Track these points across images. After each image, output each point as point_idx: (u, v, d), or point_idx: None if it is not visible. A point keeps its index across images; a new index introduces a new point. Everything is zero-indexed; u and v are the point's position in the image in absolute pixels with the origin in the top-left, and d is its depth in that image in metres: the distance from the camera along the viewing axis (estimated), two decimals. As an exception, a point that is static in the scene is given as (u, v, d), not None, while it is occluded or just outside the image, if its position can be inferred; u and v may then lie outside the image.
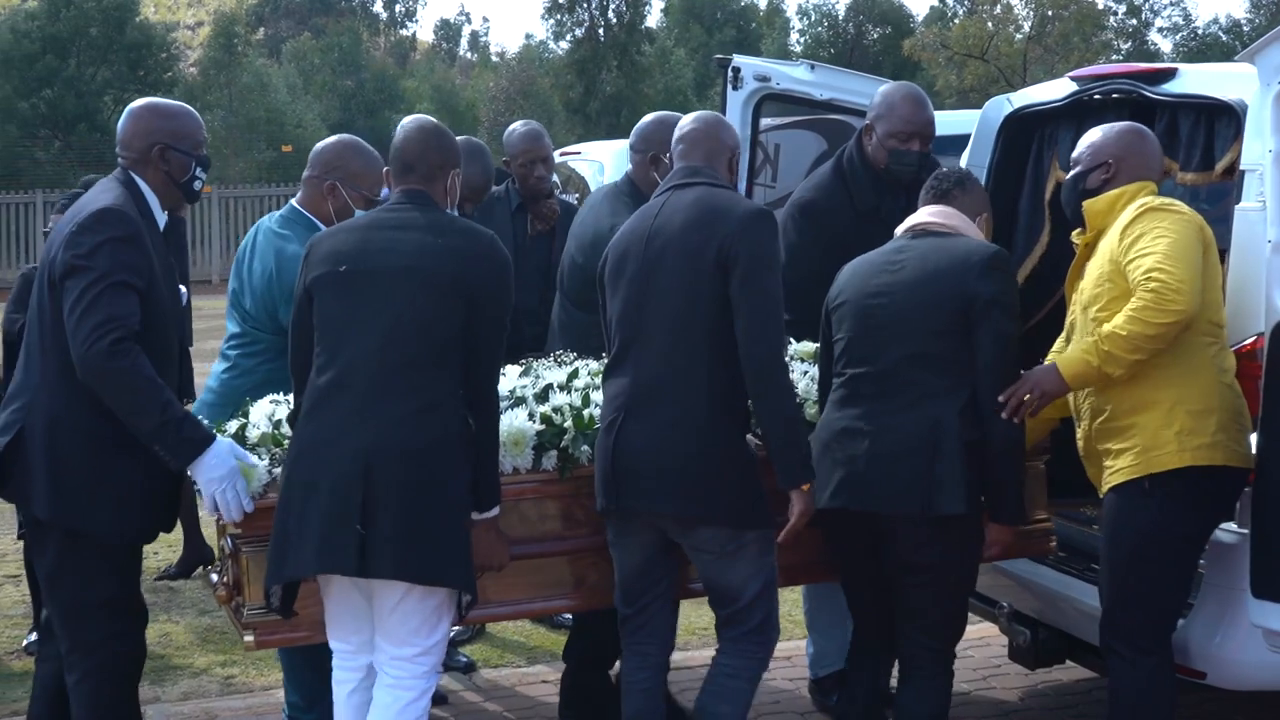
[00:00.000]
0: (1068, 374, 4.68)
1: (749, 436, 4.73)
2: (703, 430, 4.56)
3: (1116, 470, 4.74)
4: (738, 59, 7.34)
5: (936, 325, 4.70)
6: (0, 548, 8.60)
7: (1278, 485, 4.59)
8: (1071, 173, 5.00)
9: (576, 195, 10.09)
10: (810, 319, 5.11)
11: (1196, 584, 4.87)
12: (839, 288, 4.97)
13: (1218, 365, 4.71)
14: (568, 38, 50.99)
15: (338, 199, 5.42)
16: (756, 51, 46.32)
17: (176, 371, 4.86)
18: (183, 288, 5.01)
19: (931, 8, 59.64)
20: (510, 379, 5.04)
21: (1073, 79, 5.80)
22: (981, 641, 6.93)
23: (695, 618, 6.94)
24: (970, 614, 6.13)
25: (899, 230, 5.03)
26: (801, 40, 60.69)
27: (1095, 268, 4.82)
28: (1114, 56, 47.63)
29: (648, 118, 5.96)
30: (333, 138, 5.72)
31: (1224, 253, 4.93)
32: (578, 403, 4.93)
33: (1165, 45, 54.84)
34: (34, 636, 6.66)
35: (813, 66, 7.24)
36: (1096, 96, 5.65)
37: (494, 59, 75.84)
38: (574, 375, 5.14)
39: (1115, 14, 52.16)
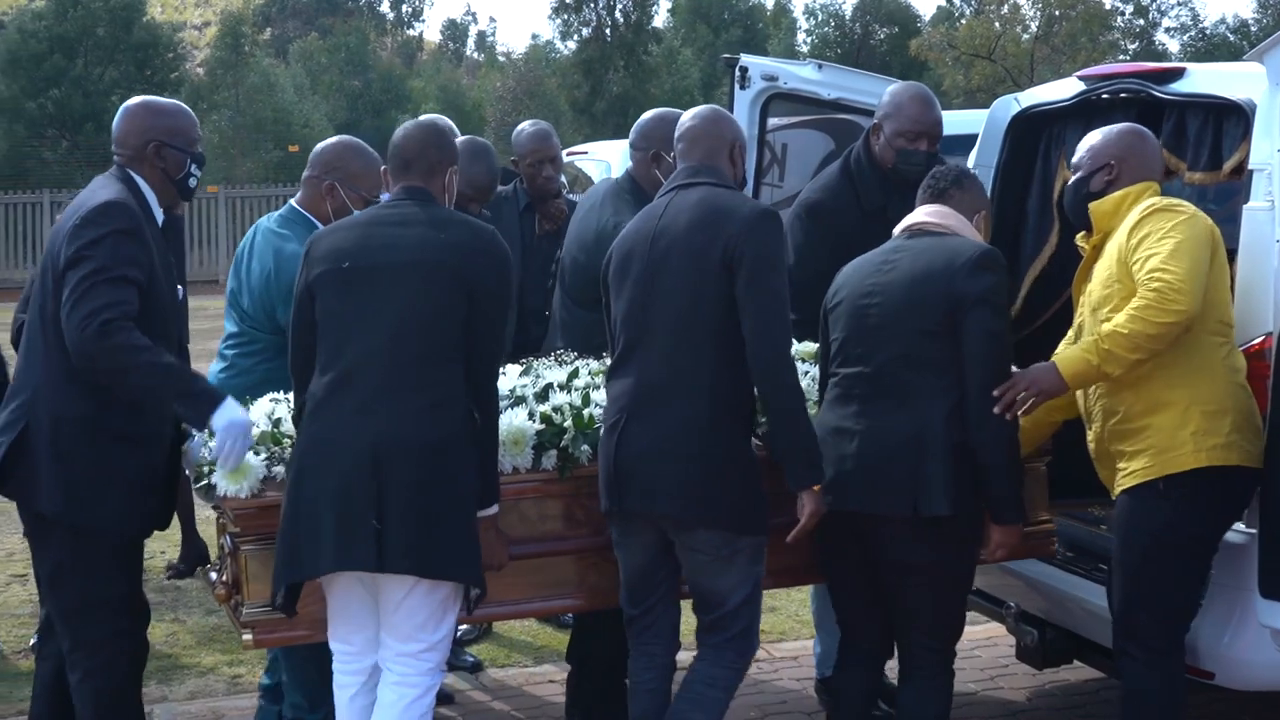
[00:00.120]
0: (1067, 373, 4.66)
1: (753, 439, 4.72)
2: (705, 432, 4.54)
3: (1131, 472, 4.73)
4: (745, 58, 7.33)
5: (926, 325, 4.68)
6: (7, 547, 8.61)
7: (1287, 485, 4.59)
8: (1074, 177, 4.99)
9: (583, 195, 10.06)
10: (817, 319, 5.11)
11: (1205, 584, 4.86)
12: (836, 288, 4.97)
13: (1229, 365, 4.71)
14: (574, 38, 51.01)
15: (336, 199, 5.45)
16: (763, 51, 46.28)
17: (175, 344, 4.91)
18: (179, 286, 5.02)
19: (939, 8, 59.60)
20: (510, 378, 5.03)
21: (1080, 78, 5.79)
22: (989, 641, 6.93)
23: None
24: (978, 614, 6.15)
25: (896, 230, 5.02)
26: (808, 40, 60.72)
27: (1103, 269, 4.81)
28: (1121, 56, 47.57)
29: (648, 115, 5.92)
30: (332, 138, 5.76)
31: (1232, 252, 4.92)
32: (578, 402, 4.92)
33: (1173, 45, 54.83)
34: (41, 636, 6.67)
35: (820, 66, 7.23)
36: (1104, 96, 5.63)
37: (500, 59, 75.82)
38: (574, 375, 5.13)
39: (1122, 14, 52.12)
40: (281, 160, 41.26)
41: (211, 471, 4.57)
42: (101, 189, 4.74)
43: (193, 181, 4.95)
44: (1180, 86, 5.35)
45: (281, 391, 4.89)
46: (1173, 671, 4.76)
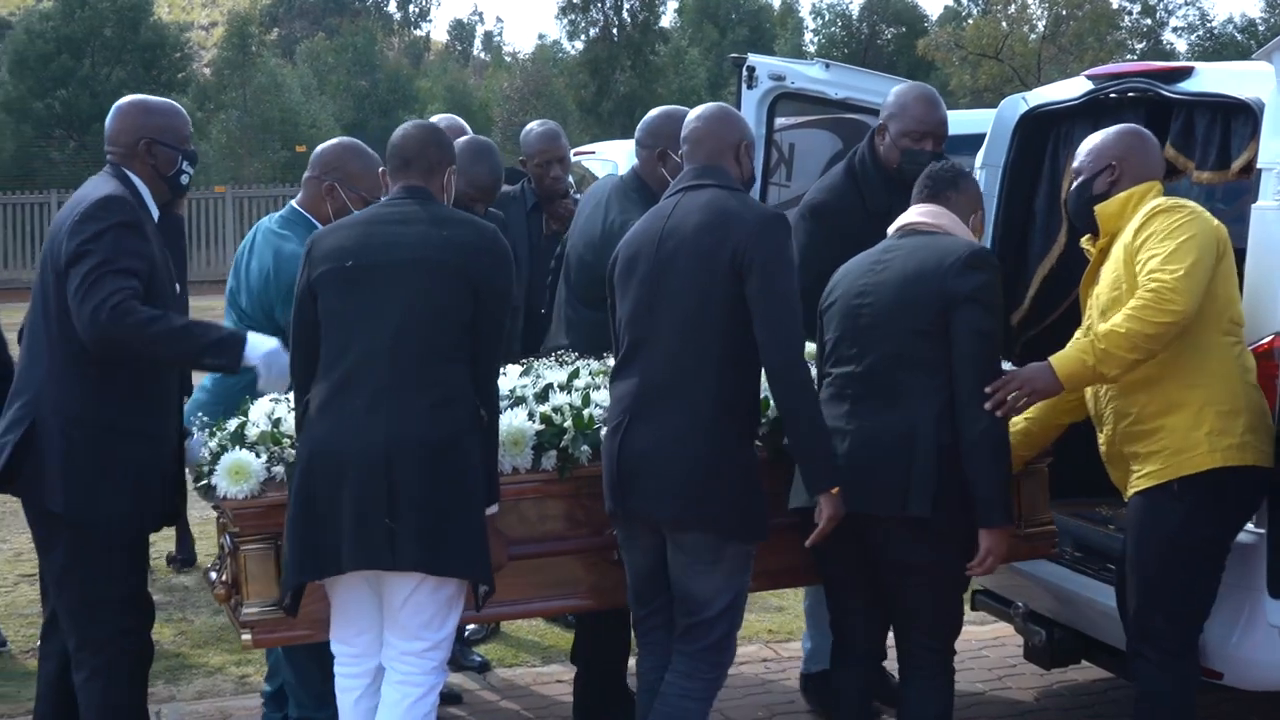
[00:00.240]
0: (1062, 373, 4.64)
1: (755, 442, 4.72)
2: (707, 435, 4.52)
3: (1145, 474, 4.72)
4: (753, 58, 7.33)
5: (918, 325, 4.65)
6: (15, 546, 8.61)
7: (1296, 485, 4.59)
8: (1076, 181, 4.98)
9: (585, 193, 10.06)
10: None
11: (1218, 585, 4.84)
12: (830, 288, 4.94)
13: (1242, 365, 4.70)
14: (582, 37, 51.01)
15: (336, 200, 5.47)
16: (770, 51, 46.25)
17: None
18: (176, 284, 5.05)
19: (946, 7, 59.55)
20: (511, 378, 5.03)
21: (1089, 78, 5.78)
22: (997, 641, 6.92)
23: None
24: (985, 614, 6.15)
25: (889, 229, 5.00)
26: (815, 40, 60.69)
27: (1110, 272, 4.80)
28: (1128, 56, 47.53)
29: (654, 112, 5.89)
30: (332, 140, 5.79)
31: (1241, 252, 4.91)
32: (578, 402, 4.91)
33: (1180, 44, 54.75)
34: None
35: (828, 65, 7.23)
36: (1112, 95, 5.63)
37: (507, 59, 75.88)
38: (575, 375, 5.13)
39: (1130, 13, 52.06)
40: (289, 160, 41.30)
41: (211, 471, 4.58)
42: (99, 185, 4.79)
43: (185, 178, 4.99)
44: (1188, 86, 5.34)
45: (281, 391, 4.88)
46: (1186, 673, 4.75)
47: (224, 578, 4.77)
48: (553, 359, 5.37)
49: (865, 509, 4.61)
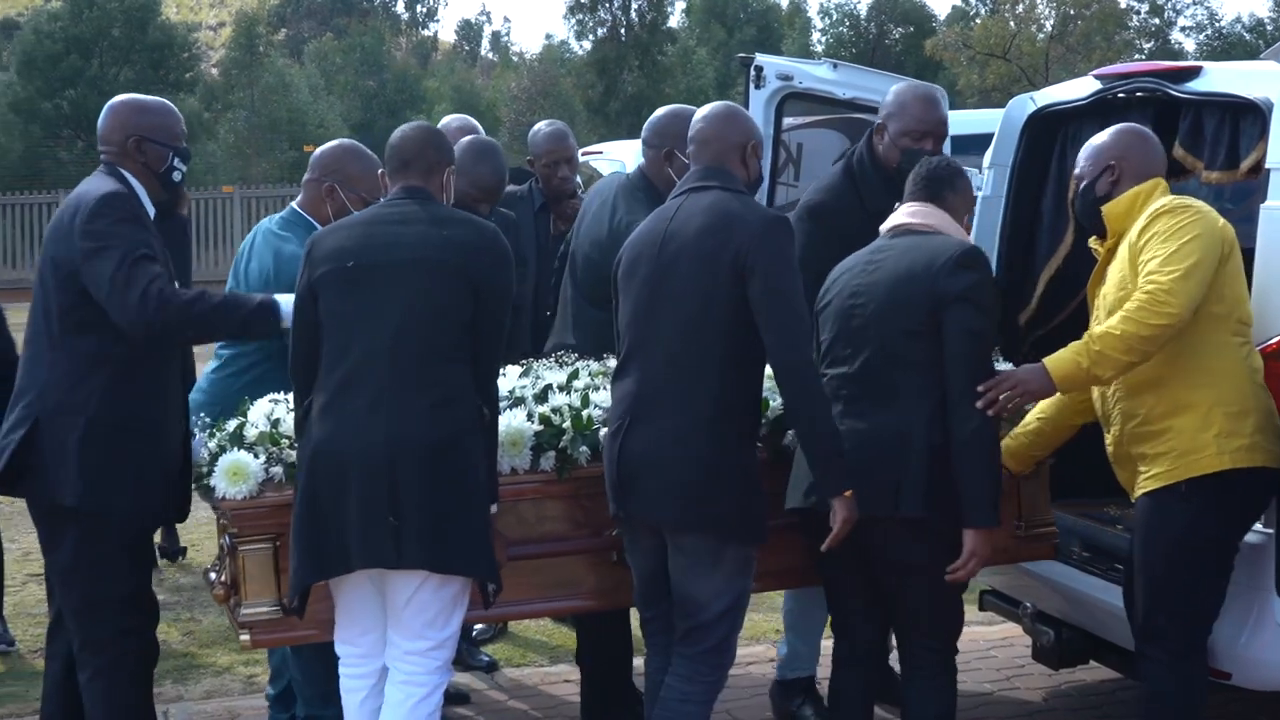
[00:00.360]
0: (1056, 375, 4.63)
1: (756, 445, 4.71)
2: (708, 436, 4.51)
3: (1152, 475, 4.70)
4: (760, 58, 7.33)
5: (910, 325, 4.63)
6: (23, 546, 8.62)
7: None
8: (1080, 185, 4.97)
9: (590, 191, 10.06)
10: None
11: (1227, 585, 4.83)
12: (825, 288, 4.92)
13: (1250, 365, 4.69)
14: (590, 37, 51.04)
15: (336, 201, 5.48)
16: (778, 51, 46.26)
17: (180, 356, 5.00)
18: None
19: (954, 7, 59.53)
20: (510, 379, 5.02)
21: (1096, 77, 5.77)
22: (1005, 642, 6.92)
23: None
24: (994, 614, 6.14)
25: (886, 225, 4.97)
26: (823, 40, 60.74)
27: (1116, 272, 4.79)
28: (1136, 56, 47.50)
29: (661, 111, 5.87)
30: (332, 141, 5.80)
31: (1250, 251, 4.90)
32: (577, 403, 4.90)
33: (1188, 44, 54.73)
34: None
35: (835, 65, 7.22)
36: (1120, 95, 5.62)
37: (514, 59, 75.90)
38: (574, 376, 5.12)
39: (1138, 13, 52.04)
40: (296, 160, 41.37)
41: (210, 472, 4.59)
42: (97, 185, 4.81)
43: (177, 175, 5.01)
44: (1196, 85, 5.33)
45: (280, 392, 4.89)
46: (1194, 673, 4.74)
47: (223, 578, 4.76)
48: (553, 360, 5.36)
49: (861, 510, 4.59)
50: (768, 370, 4.65)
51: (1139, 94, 5.56)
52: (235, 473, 4.53)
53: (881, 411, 4.63)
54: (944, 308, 4.57)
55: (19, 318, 5.30)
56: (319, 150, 5.70)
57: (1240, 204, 5.95)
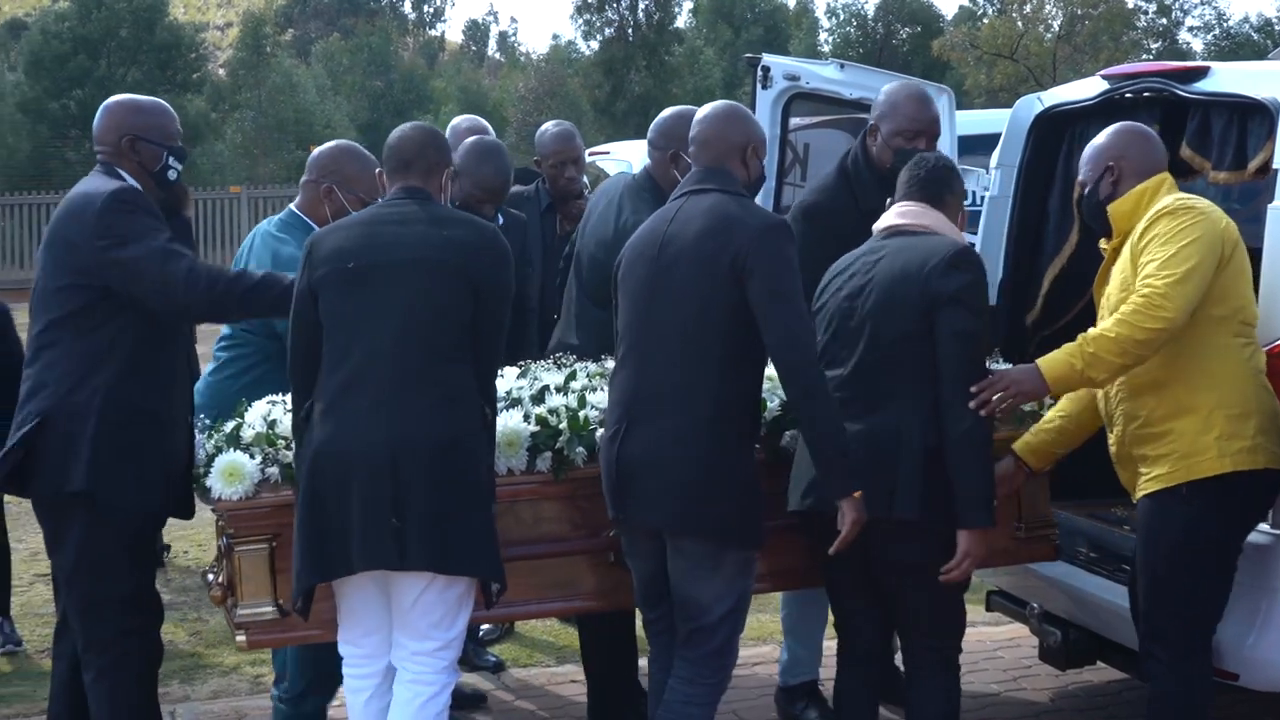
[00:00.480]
0: (1049, 376, 4.62)
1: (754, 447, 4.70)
2: (705, 440, 4.50)
3: (1153, 477, 4.70)
4: (767, 58, 7.32)
5: (903, 327, 4.61)
6: (31, 546, 8.63)
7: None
8: (1084, 190, 4.96)
9: (596, 192, 10.07)
10: None
11: (1230, 585, 4.83)
12: (820, 289, 4.91)
13: (1253, 366, 4.68)
14: (597, 38, 51.05)
15: (334, 202, 5.47)
16: (785, 51, 46.26)
17: (185, 346, 5.05)
18: None
19: (961, 7, 59.51)
20: (507, 380, 5.01)
21: (1104, 77, 5.77)
22: (1012, 642, 6.91)
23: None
24: (1000, 614, 6.14)
25: (879, 225, 4.94)
26: (830, 40, 60.69)
27: (1119, 272, 4.78)
28: (1144, 55, 47.44)
29: (667, 113, 5.86)
30: (329, 142, 5.80)
31: (1257, 252, 4.89)
32: (574, 404, 4.90)
33: (1196, 44, 54.63)
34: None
35: (842, 65, 7.21)
36: (1128, 95, 5.61)
37: (521, 59, 75.94)
38: (571, 377, 5.11)
39: (1145, 13, 51.97)
40: (303, 161, 40.98)
41: (206, 473, 4.60)
42: (102, 183, 4.85)
43: (172, 174, 5.04)
44: (1204, 85, 5.33)
45: (276, 394, 4.90)
46: (1198, 673, 4.74)
47: (220, 579, 4.77)
48: (551, 361, 5.35)
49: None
50: (767, 371, 4.65)
51: (1146, 94, 5.56)
52: (231, 473, 4.53)
53: (876, 413, 4.61)
54: (936, 309, 4.56)
55: (27, 317, 5.31)
56: (316, 151, 5.70)
57: (1248, 204, 5.95)
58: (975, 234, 6.28)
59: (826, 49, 57.50)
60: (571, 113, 43.42)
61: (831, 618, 5.20)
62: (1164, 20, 52.86)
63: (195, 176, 36.86)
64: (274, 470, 4.59)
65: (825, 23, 64.56)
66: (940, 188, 4.90)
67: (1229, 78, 5.32)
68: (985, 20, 51.46)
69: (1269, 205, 4.86)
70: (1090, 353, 4.54)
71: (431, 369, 4.37)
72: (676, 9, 50.80)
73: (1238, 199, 6.17)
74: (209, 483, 4.57)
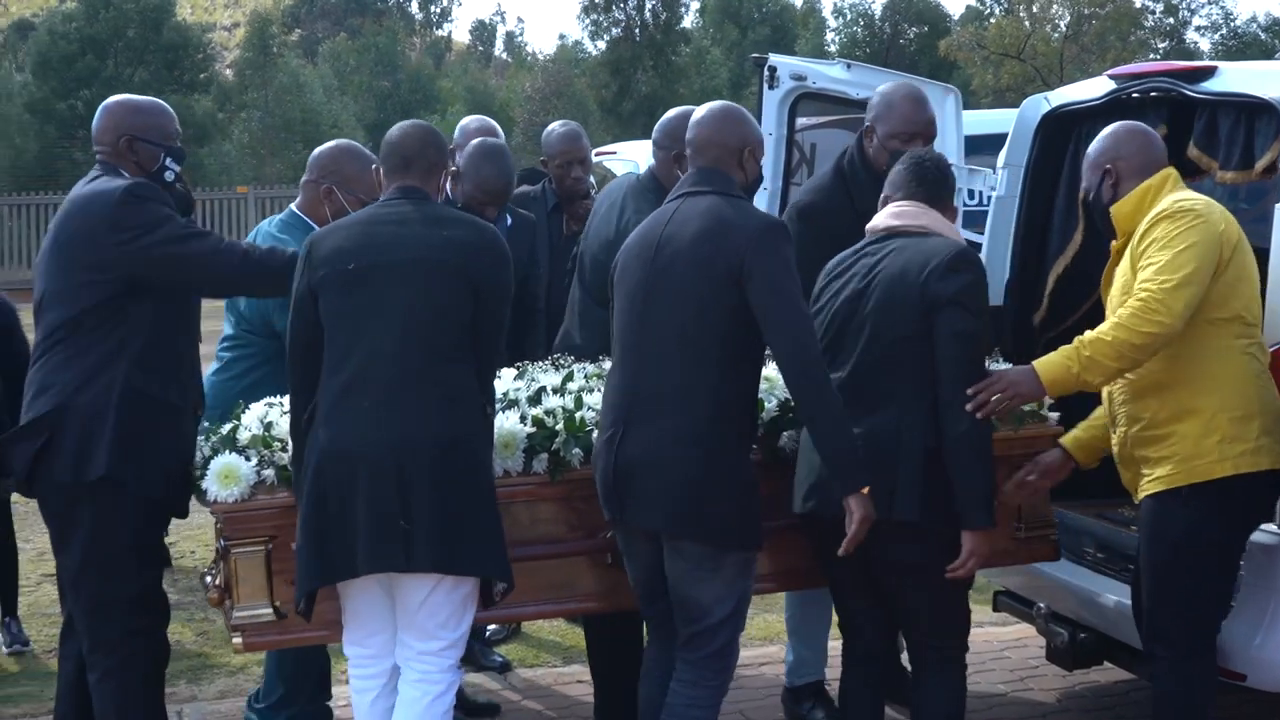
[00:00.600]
0: (1046, 378, 4.62)
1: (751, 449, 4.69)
2: (702, 442, 4.49)
3: (1155, 478, 4.70)
4: (774, 58, 7.32)
5: (902, 329, 4.60)
6: (38, 546, 8.63)
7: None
8: (1089, 196, 4.95)
9: (602, 192, 10.08)
10: None
11: (1236, 585, 4.83)
12: (817, 291, 4.88)
13: (1256, 366, 4.68)
14: (604, 38, 51.06)
15: (334, 203, 5.47)
16: (792, 51, 46.25)
17: (196, 339, 5.05)
18: None
19: (968, 7, 59.61)
20: (505, 381, 5.00)
21: (1111, 77, 5.77)
22: (1019, 643, 6.91)
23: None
24: (1008, 614, 6.13)
25: (875, 225, 4.88)
26: (837, 40, 60.66)
27: (1120, 275, 4.78)
28: (1151, 55, 47.40)
29: (671, 113, 5.85)
30: (329, 142, 5.79)
31: (1264, 252, 4.89)
32: (570, 405, 4.89)
33: (1204, 44, 54.60)
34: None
35: (849, 65, 7.20)
36: (1135, 95, 5.61)
37: (528, 59, 75.96)
38: (568, 378, 5.10)
39: (1153, 12, 51.93)
40: (310, 161, 41.38)
41: (203, 475, 4.60)
42: (110, 180, 4.87)
43: (169, 174, 5.05)
44: (1211, 85, 5.33)
45: (276, 395, 4.90)
46: (1202, 672, 4.74)
47: (217, 581, 4.76)
48: (548, 361, 5.34)
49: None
50: (764, 371, 4.64)
51: (1153, 94, 5.56)
52: (227, 476, 4.54)
53: (875, 414, 4.60)
54: (936, 310, 4.54)
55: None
56: (316, 151, 5.70)
57: (1255, 204, 5.94)
58: (982, 234, 6.29)
59: (833, 49, 57.48)
60: (578, 113, 43.41)
61: (836, 618, 5.20)
62: (1171, 20, 52.82)
63: (202, 176, 36.90)
64: (270, 473, 4.59)
65: (832, 22, 64.60)
66: (939, 187, 4.89)
67: (1236, 77, 5.32)
68: (992, 20, 51.43)
69: (1276, 205, 4.86)
70: (1087, 356, 4.54)
71: (433, 369, 4.37)
72: (683, 9, 50.83)
73: (1245, 198, 6.16)
74: (205, 485, 4.58)
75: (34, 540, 8.69)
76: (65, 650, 5.13)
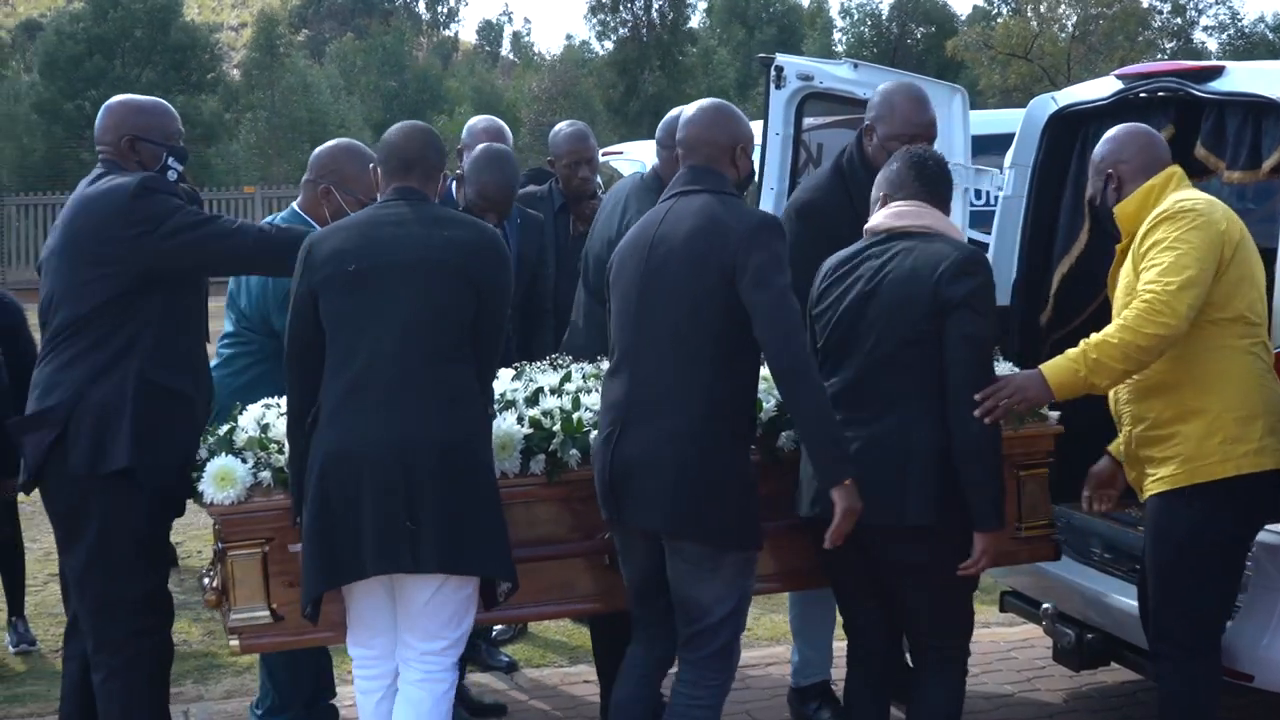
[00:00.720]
0: (1053, 382, 4.60)
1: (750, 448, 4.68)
2: (699, 441, 4.48)
3: (1159, 478, 4.70)
4: (781, 58, 7.31)
5: (910, 331, 4.58)
6: (45, 546, 8.64)
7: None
8: (1095, 202, 4.94)
9: (608, 193, 10.08)
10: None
11: (1244, 586, 4.83)
12: (820, 291, 4.86)
13: (1259, 366, 4.67)
14: (611, 38, 51.08)
15: (332, 202, 5.44)
16: (799, 51, 46.26)
17: (204, 332, 5.07)
18: None
19: (975, 7, 59.49)
20: (502, 382, 4.99)
21: (1118, 77, 5.75)
22: (1026, 643, 6.90)
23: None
24: (1014, 615, 6.13)
25: (877, 226, 4.83)
26: (844, 40, 60.68)
27: (1123, 276, 4.78)
28: (1158, 55, 47.36)
29: (675, 112, 5.82)
30: (330, 141, 5.76)
31: (1272, 251, 4.88)
32: (568, 406, 4.88)
33: (1211, 44, 54.54)
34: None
35: (856, 65, 7.18)
36: (1142, 95, 5.60)
37: (535, 59, 75.98)
38: (566, 379, 5.09)
39: (1160, 12, 51.89)
40: (317, 161, 41.39)
41: (199, 477, 4.59)
42: (113, 177, 4.88)
43: (172, 174, 5.05)
44: (1219, 85, 5.32)
45: (275, 393, 4.89)
46: (1206, 673, 4.73)
47: (214, 583, 4.75)
48: (546, 361, 5.33)
49: (863, 518, 4.53)
50: (763, 371, 4.64)
51: (1161, 94, 5.54)
52: (223, 478, 4.53)
53: (879, 419, 4.58)
54: (945, 314, 4.53)
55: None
56: (315, 151, 5.67)
57: (1262, 204, 5.94)
58: (988, 234, 6.28)
59: (840, 49, 57.50)
60: (585, 113, 43.45)
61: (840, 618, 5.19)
62: (1179, 20, 52.77)
63: (209, 176, 36.96)
64: (266, 475, 4.58)
65: (839, 22, 64.61)
66: (941, 186, 4.87)
67: (1244, 77, 5.31)
68: (1000, 20, 51.44)
69: (1284, 205, 4.85)
70: (1094, 359, 4.53)
71: (434, 370, 4.36)
72: (690, 9, 50.85)
73: (1252, 198, 6.15)
74: (201, 487, 4.56)
75: (41, 540, 8.70)
76: (70, 650, 5.13)
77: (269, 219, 5.72)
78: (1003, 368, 4.89)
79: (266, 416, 4.75)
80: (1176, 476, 4.64)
